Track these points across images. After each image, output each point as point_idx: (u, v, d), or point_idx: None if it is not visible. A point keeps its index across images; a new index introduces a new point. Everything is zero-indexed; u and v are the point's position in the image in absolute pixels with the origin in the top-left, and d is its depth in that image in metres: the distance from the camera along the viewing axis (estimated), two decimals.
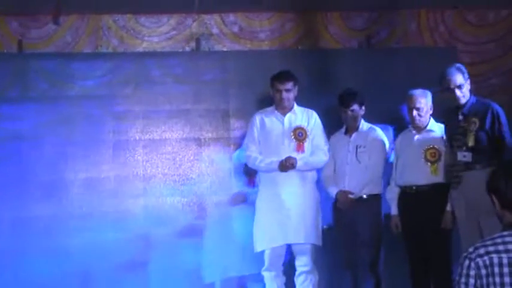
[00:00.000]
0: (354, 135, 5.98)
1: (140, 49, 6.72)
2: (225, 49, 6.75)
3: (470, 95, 5.41)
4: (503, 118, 5.31)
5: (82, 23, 6.67)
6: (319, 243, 5.91)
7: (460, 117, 5.38)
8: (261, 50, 6.73)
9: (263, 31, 6.79)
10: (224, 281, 6.27)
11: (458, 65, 5.46)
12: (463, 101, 5.37)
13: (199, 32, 6.75)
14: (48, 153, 6.45)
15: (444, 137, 5.65)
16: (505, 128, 5.29)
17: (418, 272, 5.67)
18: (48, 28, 6.63)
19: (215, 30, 6.77)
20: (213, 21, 6.77)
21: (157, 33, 6.74)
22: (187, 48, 6.73)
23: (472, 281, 3.03)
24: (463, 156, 5.29)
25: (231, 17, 6.78)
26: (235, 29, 6.78)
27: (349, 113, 5.94)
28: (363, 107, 5.97)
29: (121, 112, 6.56)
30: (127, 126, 6.57)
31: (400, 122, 6.16)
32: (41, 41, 6.64)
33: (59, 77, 6.56)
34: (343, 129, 6.05)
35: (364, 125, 6.02)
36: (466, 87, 5.39)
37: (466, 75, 5.39)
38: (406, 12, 6.83)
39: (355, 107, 5.94)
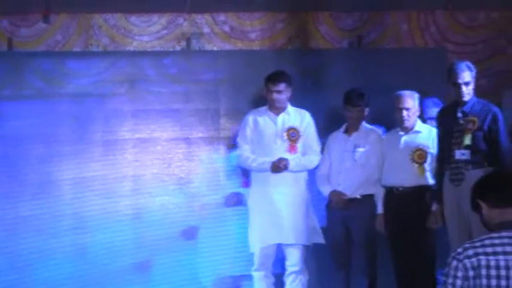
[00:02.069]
0: (353, 134, 5.97)
1: (131, 48, 6.70)
2: (215, 49, 6.74)
3: (473, 95, 5.43)
4: (501, 122, 5.33)
5: (72, 21, 6.65)
6: (316, 241, 5.91)
7: (460, 115, 5.39)
8: (252, 50, 6.72)
9: (254, 31, 6.78)
10: (217, 281, 6.27)
11: (467, 62, 5.45)
12: (466, 98, 5.36)
13: (190, 32, 6.73)
14: (39, 152, 6.43)
15: (435, 138, 5.66)
16: (502, 132, 5.31)
17: (402, 272, 5.68)
18: (39, 27, 6.61)
19: (206, 30, 6.76)
20: (204, 21, 6.76)
21: (147, 32, 6.73)
22: (178, 48, 6.71)
23: (459, 282, 3.03)
24: (462, 154, 5.30)
25: (222, 16, 6.77)
26: (226, 28, 6.77)
27: (355, 112, 5.94)
28: (367, 109, 5.97)
29: (111, 111, 6.54)
30: (116, 125, 6.55)
31: (390, 123, 6.18)
32: (31, 39, 6.63)
33: (50, 75, 6.53)
34: (342, 128, 6.04)
35: (365, 125, 6.02)
36: (472, 86, 5.39)
37: (474, 74, 5.39)
38: (397, 13, 6.83)
39: (362, 107, 5.94)
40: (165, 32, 6.73)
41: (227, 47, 6.75)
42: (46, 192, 6.40)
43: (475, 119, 5.32)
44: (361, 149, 5.90)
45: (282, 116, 5.96)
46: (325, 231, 5.98)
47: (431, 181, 5.62)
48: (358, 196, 5.86)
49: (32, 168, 6.42)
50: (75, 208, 6.41)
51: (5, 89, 6.49)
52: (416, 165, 5.67)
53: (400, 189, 5.67)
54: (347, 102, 5.95)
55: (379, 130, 6.06)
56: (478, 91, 5.57)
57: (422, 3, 6.74)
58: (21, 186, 6.37)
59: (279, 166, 5.80)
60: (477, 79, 5.48)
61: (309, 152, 5.96)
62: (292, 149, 5.91)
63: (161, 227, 6.44)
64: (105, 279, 6.27)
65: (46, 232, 6.32)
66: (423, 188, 5.62)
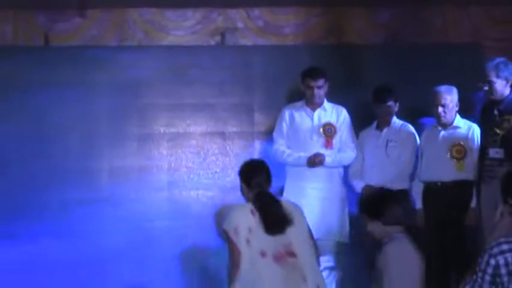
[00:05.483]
0: (385, 130, 5.99)
1: (165, 43, 6.74)
2: (249, 43, 6.75)
3: (511, 92, 5.40)
4: None
5: (108, 16, 6.70)
6: (344, 240, 5.91)
7: (496, 112, 5.38)
8: (286, 45, 6.72)
9: (288, 26, 6.78)
10: None
11: (500, 60, 5.43)
12: (495, 96, 5.36)
13: (224, 26, 6.76)
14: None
15: (474, 133, 5.65)
16: None
17: (435, 268, 5.65)
18: (75, 22, 6.67)
19: (240, 25, 6.78)
20: (238, 16, 6.77)
21: (182, 27, 6.76)
22: (212, 43, 6.74)
23: (487, 278, 3.03)
24: (496, 152, 5.30)
25: (256, 11, 6.78)
26: (260, 23, 6.78)
27: (385, 108, 5.95)
28: (397, 104, 5.98)
29: (146, 105, 6.60)
30: (151, 119, 6.60)
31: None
32: (67, 34, 6.67)
33: (85, 68, 6.58)
34: (374, 124, 6.06)
35: (396, 120, 6.02)
36: (500, 85, 5.36)
37: (503, 74, 5.35)
38: (431, 7, 6.79)
39: (391, 102, 5.95)
40: (199, 26, 6.76)
41: (261, 41, 6.76)
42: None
43: (510, 117, 5.30)
44: (393, 144, 5.91)
45: (318, 111, 5.99)
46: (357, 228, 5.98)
47: (472, 177, 5.60)
48: None
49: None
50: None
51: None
52: (455, 161, 5.65)
53: (439, 184, 5.66)
54: (376, 99, 5.97)
55: (411, 126, 6.04)
56: None
57: None
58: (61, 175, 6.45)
59: (314, 161, 5.83)
60: None
61: (344, 148, 5.98)
62: (328, 144, 5.94)
63: (194, 219, 6.48)
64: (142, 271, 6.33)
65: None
66: (462, 184, 5.60)
